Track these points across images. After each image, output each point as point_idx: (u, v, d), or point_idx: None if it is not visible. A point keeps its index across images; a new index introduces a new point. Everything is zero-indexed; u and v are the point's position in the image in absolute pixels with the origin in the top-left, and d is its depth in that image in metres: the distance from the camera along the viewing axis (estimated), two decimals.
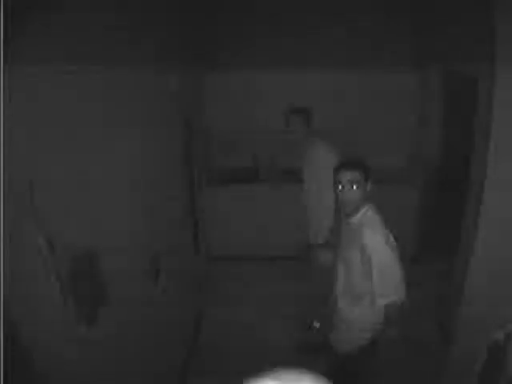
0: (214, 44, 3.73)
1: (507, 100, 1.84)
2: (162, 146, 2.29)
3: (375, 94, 3.85)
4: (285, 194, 3.61)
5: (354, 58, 3.62)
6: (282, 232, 3.71)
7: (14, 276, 0.92)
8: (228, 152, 4.12)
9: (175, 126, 2.68)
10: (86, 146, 1.31)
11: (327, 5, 3.54)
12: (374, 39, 3.62)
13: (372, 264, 1.71)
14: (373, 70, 3.70)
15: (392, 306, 1.77)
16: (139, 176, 1.88)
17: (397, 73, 3.75)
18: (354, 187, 1.72)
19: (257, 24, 3.68)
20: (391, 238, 1.74)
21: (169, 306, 2.33)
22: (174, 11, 2.66)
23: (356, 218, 1.80)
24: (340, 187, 1.75)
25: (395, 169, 3.97)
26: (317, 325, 2.98)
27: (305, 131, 2.58)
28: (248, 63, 3.73)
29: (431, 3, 3.41)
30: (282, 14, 3.63)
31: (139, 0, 1.90)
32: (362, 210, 1.79)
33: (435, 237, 3.62)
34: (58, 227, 1.12)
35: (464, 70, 2.73)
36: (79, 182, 1.27)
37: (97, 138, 1.41)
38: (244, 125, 3.98)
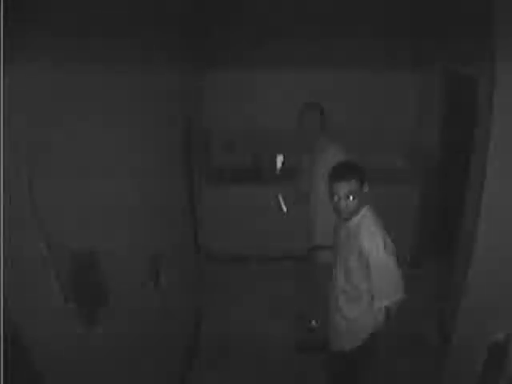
0: (214, 43, 3.73)
1: (507, 100, 1.84)
2: (162, 145, 2.29)
3: (375, 93, 3.85)
4: (285, 194, 3.61)
5: (354, 57, 3.62)
6: (282, 232, 3.71)
7: (13, 276, 0.92)
8: (228, 152, 4.12)
9: (175, 126, 2.68)
10: (85, 145, 1.31)
11: (327, 5, 3.54)
12: (373, 39, 3.62)
13: (370, 266, 1.72)
14: (373, 70, 3.71)
15: (392, 307, 1.78)
16: (139, 175, 1.88)
17: (397, 73, 3.76)
18: (351, 198, 1.71)
19: (257, 24, 3.67)
20: (388, 240, 1.75)
21: (169, 306, 2.33)
22: (174, 10, 2.66)
23: (354, 221, 1.80)
24: (336, 198, 1.73)
25: (395, 169, 3.97)
26: (315, 324, 2.98)
27: (319, 129, 2.50)
28: (248, 63, 3.73)
29: (431, 3, 3.41)
30: (283, 13, 3.63)
31: (139, 0, 1.90)
32: (360, 213, 1.79)
33: (435, 237, 3.62)
34: (58, 227, 1.12)
35: (464, 70, 2.74)
36: (79, 182, 1.27)
37: (96, 137, 1.41)
38: (244, 125, 3.99)
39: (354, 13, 3.59)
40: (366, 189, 1.77)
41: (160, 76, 2.27)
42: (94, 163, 1.38)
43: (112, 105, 1.56)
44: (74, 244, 1.20)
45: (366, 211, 1.80)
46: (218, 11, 3.68)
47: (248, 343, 2.89)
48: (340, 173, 1.74)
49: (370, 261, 1.71)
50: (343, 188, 1.70)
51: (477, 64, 2.29)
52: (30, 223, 1.01)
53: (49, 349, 1.07)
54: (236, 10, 3.65)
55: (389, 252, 1.72)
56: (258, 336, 2.95)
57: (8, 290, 0.89)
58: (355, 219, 1.80)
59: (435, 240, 3.60)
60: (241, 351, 2.82)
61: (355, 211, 1.77)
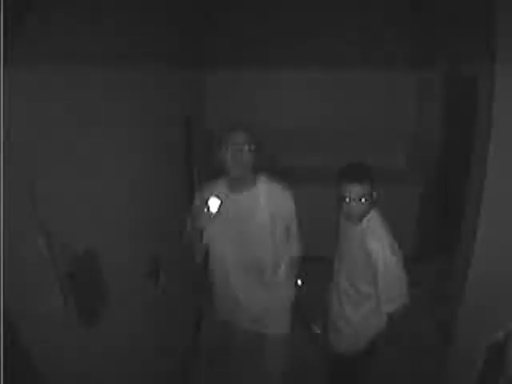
0: (215, 44, 3.73)
1: (507, 100, 1.84)
2: (162, 145, 2.29)
3: (375, 94, 3.85)
4: None
5: (354, 57, 3.62)
6: None
7: (13, 276, 0.92)
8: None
9: (175, 126, 2.68)
10: (85, 145, 1.31)
11: (327, 5, 3.54)
12: (373, 39, 3.62)
13: (377, 270, 1.69)
14: (373, 70, 3.71)
15: (396, 312, 1.77)
16: (139, 176, 1.88)
17: (397, 73, 3.76)
18: (363, 200, 1.67)
19: (257, 24, 3.68)
20: (395, 244, 1.73)
21: (169, 305, 2.33)
22: (174, 11, 2.66)
23: (361, 225, 1.77)
24: (347, 200, 1.68)
25: (395, 169, 3.97)
26: (316, 329, 2.94)
27: (249, 164, 1.73)
28: (248, 63, 3.73)
29: (431, 3, 3.41)
30: (283, 13, 3.64)
31: (140, 0, 1.90)
32: (367, 217, 1.76)
33: (435, 237, 3.62)
34: (58, 227, 1.12)
35: (464, 70, 2.73)
36: (79, 183, 1.27)
37: (97, 137, 1.41)
38: (244, 125, 3.98)
39: (354, 12, 3.59)
40: (375, 195, 1.73)
41: (160, 76, 2.26)
42: (94, 163, 1.38)
43: (112, 105, 1.56)
44: (73, 244, 1.20)
45: (373, 214, 1.76)
46: (217, 11, 3.68)
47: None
48: (354, 174, 1.68)
49: (377, 265, 1.68)
50: (357, 190, 1.65)
51: (477, 64, 2.29)
52: (30, 223, 1.01)
53: (49, 349, 1.07)
54: (236, 9, 3.66)
55: (396, 256, 1.70)
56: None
57: (8, 290, 0.89)
58: (362, 223, 1.77)
59: (435, 240, 3.60)
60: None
61: (364, 215, 1.74)
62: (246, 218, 1.70)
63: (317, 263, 2.63)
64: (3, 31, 0.83)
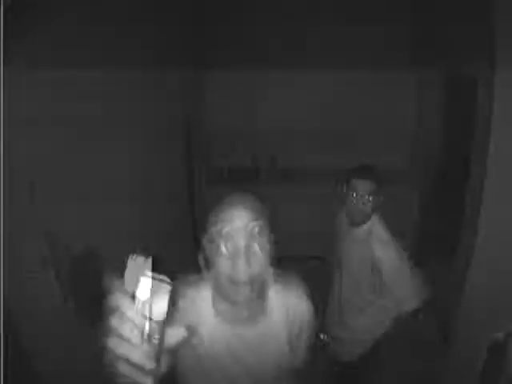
0: (214, 44, 3.73)
1: (507, 100, 1.84)
2: (162, 145, 2.29)
3: (375, 94, 3.85)
4: (285, 194, 3.61)
5: (354, 57, 3.62)
6: (281, 232, 3.71)
7: (13, 276, 0.92)
8: (228, 152, 4.12)
9: (175, 126, 2.68)
10: (85, 145, 1.32)
11: (327, 5, 3.54)
12: (373, 39, 3.62)
13: (385, 277, 1.69)
14: (373, 70, 3.70)
15: (406, 314, 1.76)
16: (139, 176, 1.88)
17: (397, 73, 3.75)
18: (370, 198, 1.68)
19: (257, 24, 3.67)
20: (401, 248, 1.73)
21: None
22: (173, 11, 2.66)
23: (364, 228, 1.76)
24: (354, 195, 1.69)
25: (395, 169, 3.97)
26: (325, 338, 2.88)
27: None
28: (248, 63, 3.73)
29: (431, 3, 3.41)
30: (282, 13, 3.63)
31: (139, 0, 1.90)
32: (371, 220, 1.76)
33: (435, 237, 3.62)
34: (58, 227, 1.12)
35: (464, 70, 2.73)
36: (79, 182, 1.27)
37: (97, 137, 1.41)
38: (244, 125, 3.99)
39: (353, 13, 3.59)
40: (381, 198, 1.73)
41: (160, 77, 2.26)
42: (93, 163, 1.38)
43: (112, 105, 1.55)
44: (74, 244, 1.20)
45: (375, 219, 1.76)
46: (217, 11, 3.68)
47: None
48: (364, 171, 1.72)
49: (384, 271, 1.68)
50: (366, 186, 1.67)
51: (477, 64, 2.28)
52: (30, 223, 1.01)
53: (49, 349, 1.07)
54: (236, 9, 3.65)
55: (403, 260, 1.70)
56: None
57: (8, 290, 0.89)
58: (365, 226, 1.76)
59: (435, 240, 3.60)
60: None
61: (368, 216, 1.73)
62: (250, 356, 1.06)
63: (316, 263, 2.63)
64: (3, 31, 0.83)
